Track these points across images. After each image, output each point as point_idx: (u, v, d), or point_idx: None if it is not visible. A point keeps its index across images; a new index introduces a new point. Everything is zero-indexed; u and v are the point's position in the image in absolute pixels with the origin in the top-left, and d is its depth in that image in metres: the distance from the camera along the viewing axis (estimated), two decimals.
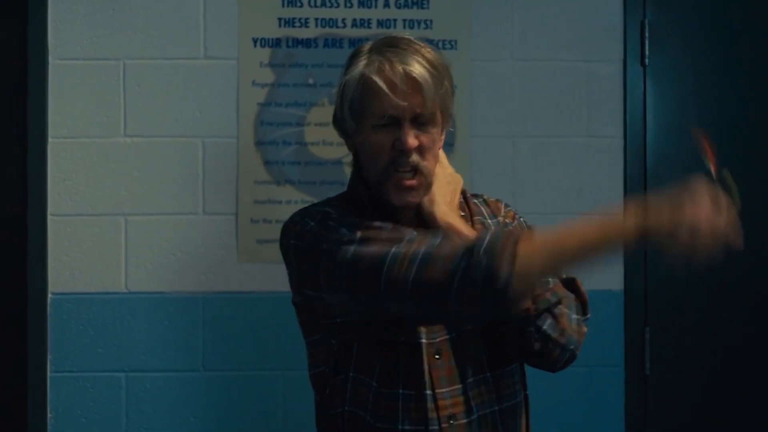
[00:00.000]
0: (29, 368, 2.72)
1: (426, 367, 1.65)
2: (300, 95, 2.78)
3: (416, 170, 1.66)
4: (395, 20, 2.81)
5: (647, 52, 2.86)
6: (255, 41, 2.78)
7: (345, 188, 2.75)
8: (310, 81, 2.78)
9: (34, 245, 2.74)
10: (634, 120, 2.87)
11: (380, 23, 2.81)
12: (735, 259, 2.82)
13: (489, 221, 1.80)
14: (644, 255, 2.85)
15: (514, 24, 2.84)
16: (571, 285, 1.73)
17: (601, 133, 2.86)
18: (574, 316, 1.68)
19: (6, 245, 2.78)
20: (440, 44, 2.79)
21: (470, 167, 2.79)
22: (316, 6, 2.79)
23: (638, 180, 2.87)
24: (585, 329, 1.71)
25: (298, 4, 2.79)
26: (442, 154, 1.78)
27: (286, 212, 2.77)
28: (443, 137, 1.77)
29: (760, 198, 2.87)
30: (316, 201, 2.71)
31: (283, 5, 2.79)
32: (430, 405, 1.65)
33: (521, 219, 1.85)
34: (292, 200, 2.77)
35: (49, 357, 2.72)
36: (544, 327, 1.64)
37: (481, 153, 2.82)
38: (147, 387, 2.74)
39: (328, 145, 2.78)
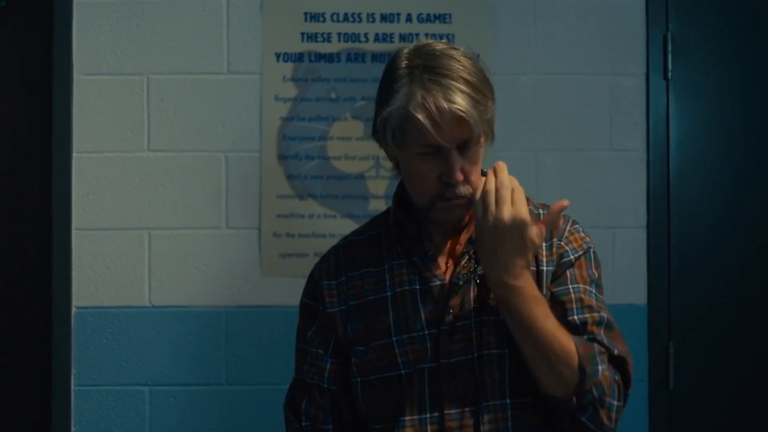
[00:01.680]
0: (53, 382, 2.73)
1: (426, 391, 1.67)
2: (323, 110, 2.79)
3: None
4: (417, 34, 2.81)
5: (670, 66, 2.85)
6: (278, 56, 2.79)
7: (367, 202, 2.80)
8: (333, 95, 2.79)
9: (59, 259, 2.75)
10: (657, 133, 2.85)
11: (402, 37, 2.81)
12: (759, 274, 2.84)
13: (543, 250, 1.70)
14: (668, 269, 2.84)
15: (537, 37, 2.85)
16: (620, 365, 1.64)
17: (624, 146, 2.85)
18: (615, 404, 1.59)
19: (31, 259, 2.80)
20: None
21: None
22: (338, 21, 2.80)
23: (661, 193, 2.85)
24: (623, 410, 1.63)
25: (321, 19, 2.80)
26: (519, 189, 1.61)
27: (308, 226, 2.82)
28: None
29: None
30: (338, 215, 2.78)
31: (305, 20, 2.80)
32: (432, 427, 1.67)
33: (591, 249, 1.75)
34: (315, 214, 2.77)
35: (73, 371, 2.73)
36: (583, 419, 1.58)
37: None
38: (170, 401, 2.74)
39: (350, 159, 2.78)
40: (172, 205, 2.77)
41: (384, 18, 2.82)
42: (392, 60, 1.67)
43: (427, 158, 1.63)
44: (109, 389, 2.74)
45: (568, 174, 2.84)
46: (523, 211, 1.55)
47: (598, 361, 1.57)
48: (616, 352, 1.61)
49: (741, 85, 2.91)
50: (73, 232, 2.75)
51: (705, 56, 2.89)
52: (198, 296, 2.76)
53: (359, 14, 2.81)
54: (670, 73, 2.86)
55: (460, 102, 1.58)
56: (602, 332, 1.62)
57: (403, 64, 1.64)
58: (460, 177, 1.61)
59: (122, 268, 2.76)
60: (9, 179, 2.81)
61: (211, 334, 2.75)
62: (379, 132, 1.69)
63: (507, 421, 1.65)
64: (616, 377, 1.61)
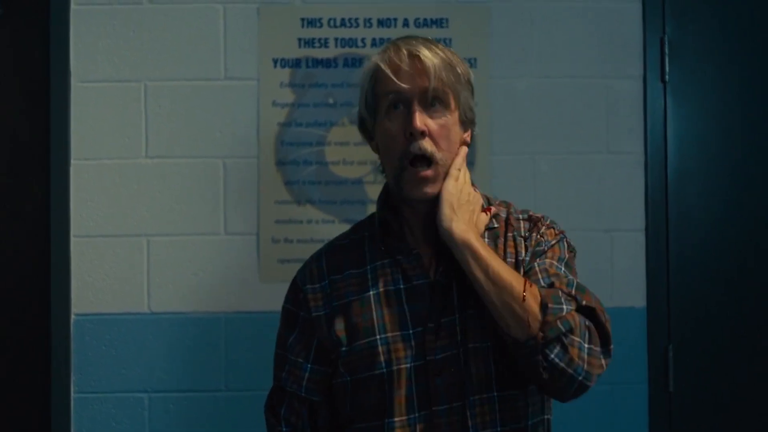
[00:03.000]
0: (53, 389, 2.73)
1: (402, 392, 1.69)
2: (320, 115, 2.79)
3: (430, 161, 1.67)
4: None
5: (667, 69, 2.86)
6: (275, 62, 2.79)
7: (365, 207, 2.80)
8: (330, 101, 2.79)
9: (58, 266, 2.74)
10: (654, 136, 2.86)
11: None
12: (758, 276, 2.84)
13: (521, 239, 1.78)
14: (667, 272, 2.84)
15: (533, 41, 2.85)
16: (590, 313, 1.67)
17: (622, 149, 2.85)
18: (586, 345, 1.61)
19: (29, 266, 2.79)
20: None
21: (491, 185, 2.78)
22: (335, 26, 2.80)
23: (659, 196, 2.86)
24: (602, 361, 1.64)
25: (318, 24, 2.80)
26: (466, 173, 1.76)
27: (306, 231, 2.82)
28: (469, 135, 1.79)
29: None
30: (336, 220, 2.78)
31: (302, 26, 2.80)
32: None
33: (564, 239, 1.81)
34: (313, 219, 2.78)
35: (72, 378, 2.73)
36: (552, 356, 1.59)
37: (502, 170, 2.82)
38: (170, 407, 2.74)
39: (348, 164, 2.78)
40: (171, 212, 2.77)
41: (381, 23, 2.82)
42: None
43: (394, 114, 1.69)
44: (109, 396, 2.74)
45: (565, 177, 2.84)
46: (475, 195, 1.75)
47: (562, 301, 1.62)
48: (584, 302, 1.65)
49: (738, 88, 2.91)
50: (72, 239, 2.75)
51: (702, 59, 2.90)
52: (197, 302, 2.75)
53: (356, 19, 2.81)
54: (667, 76, 2.86)
55: (424, 51, 1.67)
56: (573, 292, 1.66)
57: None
58: (419, 123, 1.65)
59: (121, 275, 2.75)
60: (7, 186, 2.81)
61: (210, 340, 2.75)
62: (359, 114, 1.79)
63: (495, 413, 1.69)
64: (587, 323, 1.63)
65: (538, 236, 1.78)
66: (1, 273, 2.80)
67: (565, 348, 1.59)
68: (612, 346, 1.66)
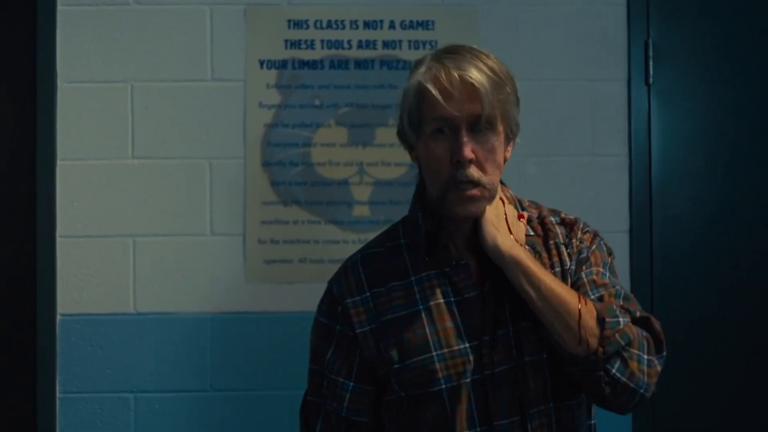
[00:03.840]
0: (38, 389, 2.74)
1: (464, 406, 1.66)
2: (306, 116, 2.80)
3: (477, 183, 1.62)
4: (401, 41, 2.83)
5: (651, 72, 2.89)
6: (261, 63, 2.81)
7: (351, 208, 2.80)
8: (317, 102, 2.81)
9: (43, 266, 2.76)
10: (638, 138, 2.88)
11: (386, 44, 2.83)
12: (741, 277, 2.87)
13: (563, 248, 1.75)
14: (650, 272, 2.87)
15: (519, 44, 2.87)
16: (645, 323, 1.66)
17: (607, 151, 2.88)
18: (646, 357, 1.61)
19: (15, 266, 2.80)
20: None
21: None
22: (321, 28, 2.81)
23: (643, 197, 2.88)
24: (659, 369, 1.64)
25: (304, 26, 2.81)
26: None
27: (293, 232, 2.82)
28: (510, 148, 1.74)
29: None
30: (322, 221, 2.79)
31: (289, 27, 2.82)
32: None
33: (601, 241, 1.80)
34: (300, 220, 2.79)
35: (57, 378, 2.74)
36: (614, 371, 1.58)
37: None
38: (155, 407, 2.75)
39: (334, 165, 2.79)
40: (157, 212, 2.78)
41: (367, 25, 2.83)
42: (417, 60, 1.72)
43: (440, 138, 1.63)
44: (94, 396, 2.75)
45: (551, 179, 2.86)
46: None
47: (618, 314, 1.61)
48: (638, 313, 1.66)
49: (721, 90, 2.94)
50: (58, 240, 2.76)
51: (686, 62, 2.93)
52: (183, 303, 2.77)
53: (342, 21, 2.82)
54: (651, 79, 2.89)
55: (474, 73, 1.60)
56: (621, 302, 1.66)
57: (427, 57, 1.69)
58: (468, 153, 1.60)
59: (107, 275, 2.76)
60: None
61: (196, 341, 2.76)
62: (400, 124, 1.73)
63: (552, 425, 1.67)
64: (644, 334, 1.63)
65: (578, 242, 1.76)
66: None
67: (625, 362, 1.58)
68: (665, 352, 1.66)
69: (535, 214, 1.80)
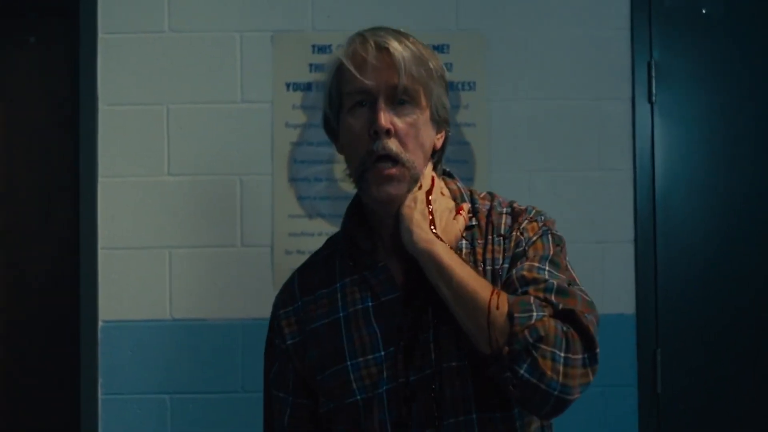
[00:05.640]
0: (82, 390, 2.83)
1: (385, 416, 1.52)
2: None
3: (396, 160, 1.49)
4: None
5: (654, 91, 2.97)
6: (288, 85, 2.91)
7: None
8: None
9: (86, 276, 2.85)
10: (642, 154, 2.96)
11: None
12: (741, 283, 2.96)
13: (499, 238, 1.56)
14: (655, 280, 2.95)
15: (529, 66, 2.95)
16: (569, 317, 1.43)
17: (612, 166, 2.95)
18: (562, 355, 1.38)
19: (60, 276, 2.93)
20: (460, 85, 2.93)
21: None
22: None
23: (648, 209, 2.97)
24: (584, 369, 1.40)
25: (328, 50, 2.91)
26: (434, 179, 1.58)
27: (317, 244, 2.86)
28: (442, 138, 1.61)
29: None
30: None
31: (313, 52, 2.92)
32: None
33: (548, 231, 1.58)
34: (324, 232, 2.86)
35: (99, 380, 2.83)
36: (521, 371, 1.37)
37: (500, 187, 2.86)
38: (190, 407, 2.84)
39: None
40: (191, 226, 2.87)
41: None
42: None
43: (359, 112, 1.51)
44: (133, 397, 2.84)
45: (560, 193, 2.94)
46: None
47: (532, 308, 1.41)
48: (561, 306, 1.43)
49: (721, 108, 3.02)
50: (99, 251, 2.86)
51: (687, 81, 3.01)
52: (215, 310, 2.85)
53: None
54: (654, 98, 2.97)
55: (393, 43, 1.49)
56: (552, 297, 1.45)
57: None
58: (384, 121, 1.47)
59: (145, 284, 2.86)
60: (40, 202, 2.95)
61: (228, 345, 2.84)
62: (324, 114, 1.61)
63: None
64: (564, 328, 1.41)
65: (518, 234, 1.55)
66: (35, 283, 2.95)
67: (535, 361, 1.37)
68: (598, 350, 1.43)
69: (486, 206, 1.62)
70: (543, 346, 1.38)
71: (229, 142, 2.89)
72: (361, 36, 1.53)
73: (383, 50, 1.48)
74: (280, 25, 2.93)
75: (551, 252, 1.54)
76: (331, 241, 1.73)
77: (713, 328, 3.00)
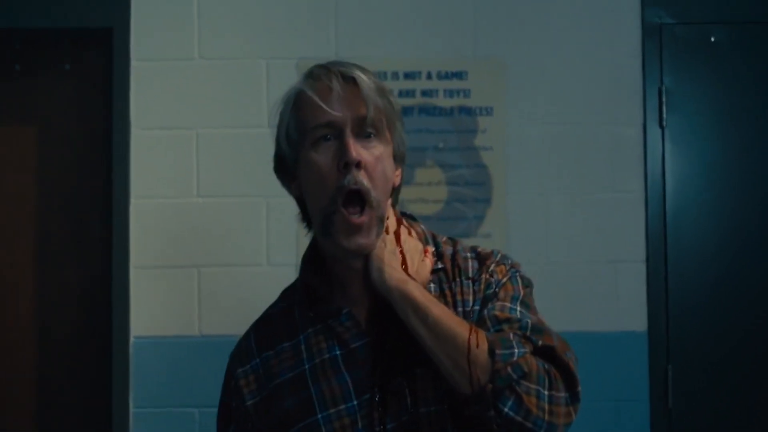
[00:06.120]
0: (114, 404, 2.92)
1: None
2: None
3: (363, 201, 1.40)
4: (437, 90, 3.04)
5: (665, 116, 3.07)
6: None
7: None
8: None
9: (118, 294, 2.94)
10: (654, 177, 3.06)
11: (424, 93, 3.04)
12: (750, 302, 3.07)
13: (470, 283, 1.51)
14: (666, 299, 3.03)
15: (544, 92, 3.05)
16: (549, 354, 1.39)
17: (624, 189, 3.04)
18: (546, 393, 1.33)
19: (93, 293, 3.02)
20: (477, 110, 3.03)
21: (507, 221, 3.00)
22: None
23: (659, 230, 3.05)
24: (567, 408, 1.36)
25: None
26: (397, 219, 1.53)
27: None
28: (399, 174, 1.53)
29: None
30: None
31: None
32: None
33: (516, 273, 1.53)
34: None
35: (131, 394, 2.92)
36: (506, 409, 1.32)
37: (517, 208, 3.02)
38: None
39: None
40: (219, 245, 2.97)
41: (407, 75, 3.04)
42: None
43: (323, 146, 1.42)
44: (163, 411, 2.92)
45: (574, 214, 3.03)
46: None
47: (513, 345, 1.36)
48: (540, 342, 1.39)
49: (730, 131, 3.12)
50: (131, 270, 2.95)
51: (697, 106, 3.11)
52: (242, 326, 2.73)
53: (384, 72, 3.01)
54: (665, 122, 3.07)
55: (359, 74, 1.42)
56: (529, 334, 1.41)
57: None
58: (354, 154, 1.38)
59: (175, 302, 2.95)
60: (74, 222, 3.05)
61: None
62: (276, 154, 1.54)
63: None
64: (546, 366, 1.36)
65: (488, 276, 1.50)
66: (69, 301, 3.04)
67: (519, 398, 1.32)
68: (579, 389, 1.38)
69: (449, 250, 1.55)
70: (527, 383, 1.33)
71: (255, 165, 2.92)
72: (323, 67, 1.45)
73: (349, 80, 1.41)
74: (304, 53, 3.01)
75: (522, 293, 1.50)
76: (288, 292, 1.64)
77: (723, 346, 3.07)
